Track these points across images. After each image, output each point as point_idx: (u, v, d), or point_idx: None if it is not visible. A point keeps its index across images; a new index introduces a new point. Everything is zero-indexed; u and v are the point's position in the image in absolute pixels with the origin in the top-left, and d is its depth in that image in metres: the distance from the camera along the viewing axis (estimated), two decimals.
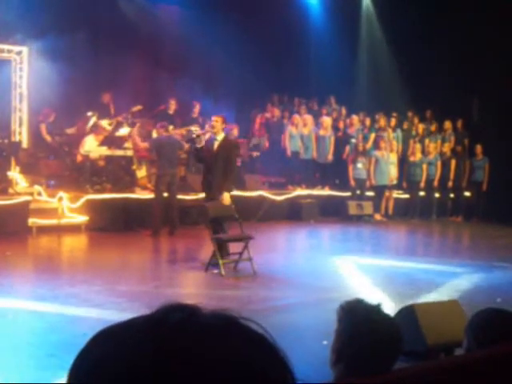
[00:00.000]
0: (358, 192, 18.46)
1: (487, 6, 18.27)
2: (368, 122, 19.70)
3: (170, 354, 0.83)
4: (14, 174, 15.08)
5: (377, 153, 18.50)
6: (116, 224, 14.52)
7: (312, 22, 22.16)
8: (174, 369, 0.82)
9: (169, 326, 0.86)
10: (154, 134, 15.60)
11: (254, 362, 0.85)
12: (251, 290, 9.41)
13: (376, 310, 2.85)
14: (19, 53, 17.57)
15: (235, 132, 18.83)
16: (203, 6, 18.64)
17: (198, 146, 10.55)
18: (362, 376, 2.66)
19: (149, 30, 18.79)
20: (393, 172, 18.58)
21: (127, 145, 16.01)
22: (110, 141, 15.81)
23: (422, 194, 19.14)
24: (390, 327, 2.81)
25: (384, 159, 18.41)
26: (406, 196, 19.29)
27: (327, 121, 19.20)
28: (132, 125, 16.19)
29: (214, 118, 10.98)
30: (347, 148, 19.10)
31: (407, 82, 20.10)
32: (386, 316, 2.86)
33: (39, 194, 14.58)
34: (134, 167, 16.09)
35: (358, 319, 2.79)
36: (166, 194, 13.98)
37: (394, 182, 18.73)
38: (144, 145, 15.62)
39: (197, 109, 18.18)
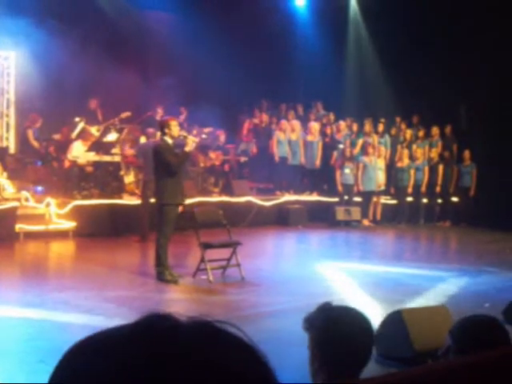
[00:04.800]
0: (346, 197, 18.49)
1: (476, 14, 18.34)
2: (355, 127, 19.74)
3: (160, 361, 0.84)
4: (1, 179, 15.00)
5: (364, 158, 18.53)
6: (104, 230, 14.50)
7: (299, 28, 22.19)
8: (163, 375, 0.83)
9: (156, 334, 0.87)
10: (142, 140, 15.56)
11: (235, 365, 0.87)
12: (239, 296, 9.41)
13: (334, 313, 2.88)
14: (7, 58, 17.54)
15: (222, 138, 18.87)
16: (190, 13, 18.67)
17: (187, 149, 10.34)
18: (342, 379, 2.69)
19: (136, 36, 18.79)
20: (380, 177, 18.62)
21: (115, 150, 15.99)
22: (98, 146, 15.78)
23: (409, 199, 19.17)
24: (351, 326, 2.83)
25: (372, 165, 18.44)
26: (394, 201, 19.32)
27: (315, 126, 19.23)
28: (120, 131, 16.17)
29: (177, 122, 10.76)
30: (335, 154, 19.13)
31: (395, 88, 20.15)
32: (343, 317, 2.88)
33: (26, 199, 14.52)
34: (122, 173, 16.05)
35: (318, 330, 2.85)
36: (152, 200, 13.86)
37: (382, 187, 18.76)
38: (130, 151, 15.60)
39: (184, 115, 18.18)
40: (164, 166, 10.07)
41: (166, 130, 10.11)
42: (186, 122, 18.22)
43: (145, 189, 13.99)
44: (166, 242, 10.13)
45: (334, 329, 2.79)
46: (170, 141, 10.12)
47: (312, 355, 2.85)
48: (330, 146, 19.31)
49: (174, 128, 10.21)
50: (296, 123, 19.24)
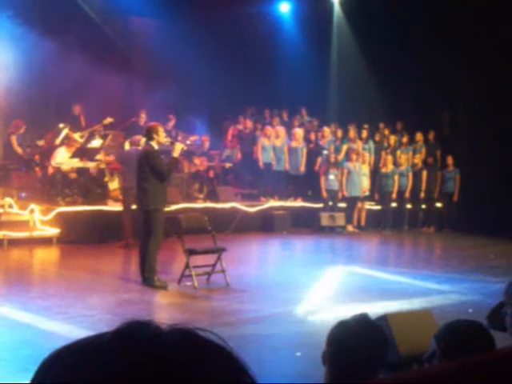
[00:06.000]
0: (331, 203, 18.49)
1: (462, 21, 18.43)
2: (340, 133, 19.74)
3: (139, 370, 0.83)
4: None
5: (349, 164, 18.54)
6: (88, 236, 14.42)
7: (284, 34, 22.21)
8: (145, 381, 0.82)
9: (136, 342, 0.87)
10: (127, 146, 15.50)
11: (216, 373, 0.87)
12: (224, 302, 9.40)
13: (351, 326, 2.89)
14: None
15: (207, 144, 18.85)
16: (175, 20, 18.64)
17: (175, 155, 10.30)
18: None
19: (121, 41, 18.75)
20: (365, 183, 18.65)
21: (99, 157, 15.92)
22: (82, 153, 15.72)
23: (393, 205, 19.20)
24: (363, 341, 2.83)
25: (356, 170, 18.46)
26: (378, 207, 19.35)
27: (299, 132, 19.23)
28: (104, 137, 16.11)
29: (163, 128, 10.77)
30: (319, 159, 19.14)
31: (379, 94, 20.22)
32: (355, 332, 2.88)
33: (10, 206, 14.45)
34: (106, 179, 15.99)
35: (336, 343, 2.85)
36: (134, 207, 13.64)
37: (366, 193, 18.79)
38: (111, 158, 15.50)
39: (172, 122, 18.12)
40: (155, 172, 10.03)
41: (154, 136, 10.07)
42: (174, 128, 18.19)
43: (126, 196, 13.93)
44: (157, 247, 10.11)
45: (344, 339, 2.80)
46: (156, 147, 10.10)
47: (323, 362, 2.87)
48: (314, 151, 19.32)
49: (162, 134, 10.22)
50: (280, 129, 19.22)
